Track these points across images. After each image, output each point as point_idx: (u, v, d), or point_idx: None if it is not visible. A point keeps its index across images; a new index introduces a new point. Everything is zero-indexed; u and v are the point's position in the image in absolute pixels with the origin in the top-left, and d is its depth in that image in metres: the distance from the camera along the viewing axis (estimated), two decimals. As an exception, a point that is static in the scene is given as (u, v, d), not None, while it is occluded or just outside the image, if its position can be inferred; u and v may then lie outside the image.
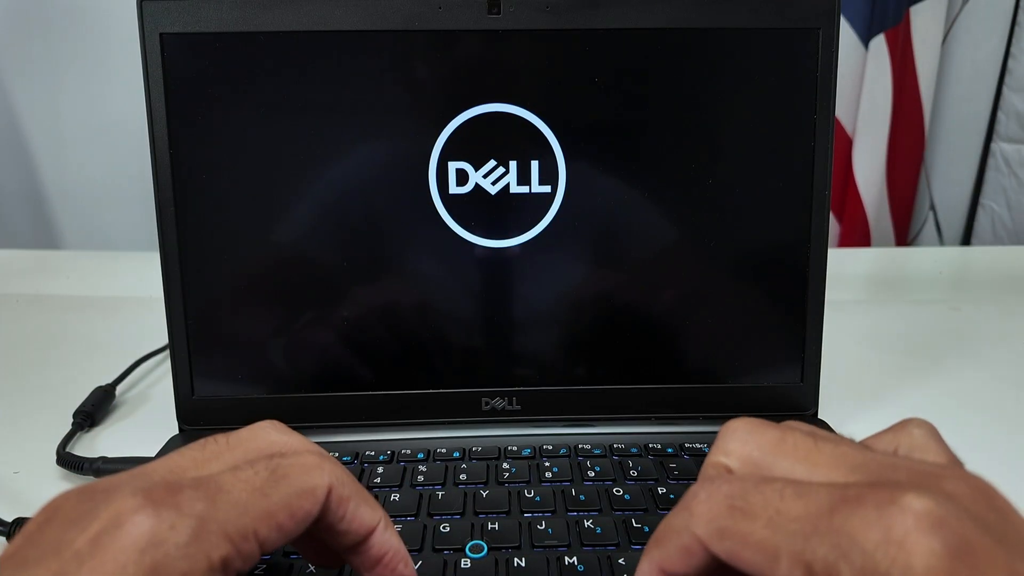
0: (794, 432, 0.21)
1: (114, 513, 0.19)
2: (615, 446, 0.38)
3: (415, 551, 0.31)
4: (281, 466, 0.22)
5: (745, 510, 0.19)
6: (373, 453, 0.38)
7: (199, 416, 0.41)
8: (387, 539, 0.24)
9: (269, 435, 0.25)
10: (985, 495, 0.17)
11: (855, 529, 0.16)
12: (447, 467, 0.37)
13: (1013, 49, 1.31)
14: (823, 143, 0.40)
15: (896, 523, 0.16)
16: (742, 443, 0.21)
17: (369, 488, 0.35)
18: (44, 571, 0.18)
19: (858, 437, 0.22)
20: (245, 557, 0.20)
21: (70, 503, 0.20)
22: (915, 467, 0.19)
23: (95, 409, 0.45)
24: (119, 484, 0.21)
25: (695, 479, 0.36)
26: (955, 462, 0.20)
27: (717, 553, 0.19)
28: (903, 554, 0.16)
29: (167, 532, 0.19)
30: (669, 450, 0.38)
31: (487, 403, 0.42)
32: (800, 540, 0.17)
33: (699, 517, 0.20)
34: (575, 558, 0.30)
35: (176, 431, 0.41)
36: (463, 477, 0.36)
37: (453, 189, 0.40)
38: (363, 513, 0.24)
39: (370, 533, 0.24)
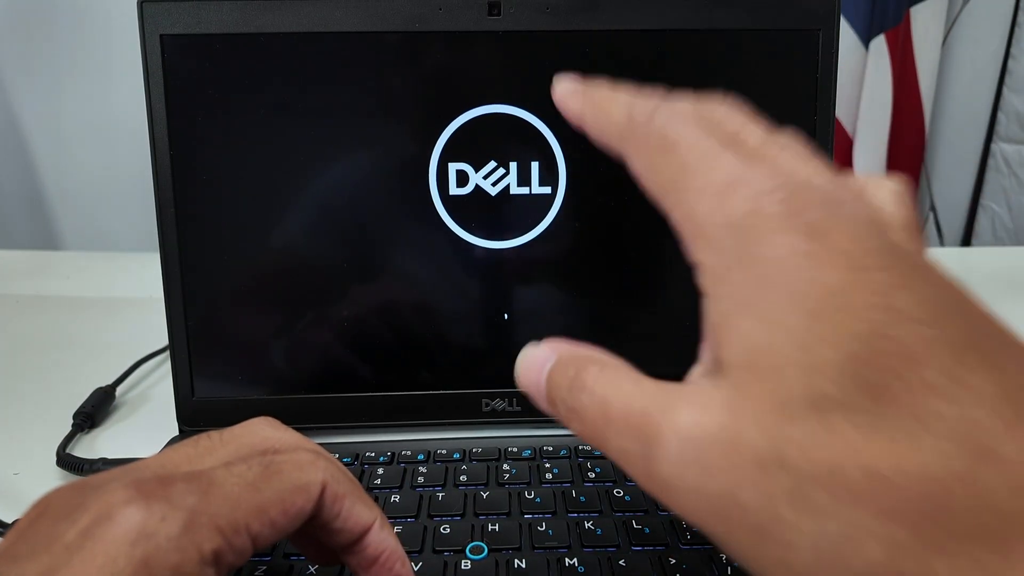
0: (780, 142, 0.21)
1: (104, 506, 0.19)
2: (615, 447, 0.38)
3: (415, 552, 0.31)
4: (275, 462, 0.22)
5: (670, 149, 0.20)
6: (373, 454, 0.38)
7: (199, 417, 0.41)
8: (383, 538, 0.24)
9: (263, 431, 0.25)
10: (870, 219, 0.18)
11: (733, 194, 0.18)
12: (447, 468, 0.37)
13: (1013, 49, 1.31)
14: (823, 143, 0.40)
15: (768, 202, 0.18)
16: (720, 105, 0.22)
17: (369, 489, 0.35)
18: (35, 565, 0.18)
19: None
20: (237, 551, 0.20)
21: (61, 498, 0.20)
22: (828, 182, 0.19)
23: (95, 410, 0.45)
24: (110, 478, 0.21)
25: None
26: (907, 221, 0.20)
27: (628, 164, 0.22)
28: (764, 220, 0.17)
29: (158, 524, 0.19)
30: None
31: (487, 404, 0.42)
32: (691, 195, 0.19)
33: (635, 131, 0.21)
34: (576, 559, 0.30)
35: (176, 432, 0.41)
36: (463, 478, 0.36)
37: (453, 190, 0.40)
38: (358, 511, 0.24)
39: (366, 532, 0.24)
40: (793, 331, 0.16)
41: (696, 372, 0.21)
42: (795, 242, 0.16)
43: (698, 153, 0.19)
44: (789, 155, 0.20)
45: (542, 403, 0.22)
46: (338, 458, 0.37)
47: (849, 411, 0.15)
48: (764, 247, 0.17)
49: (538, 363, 0.22)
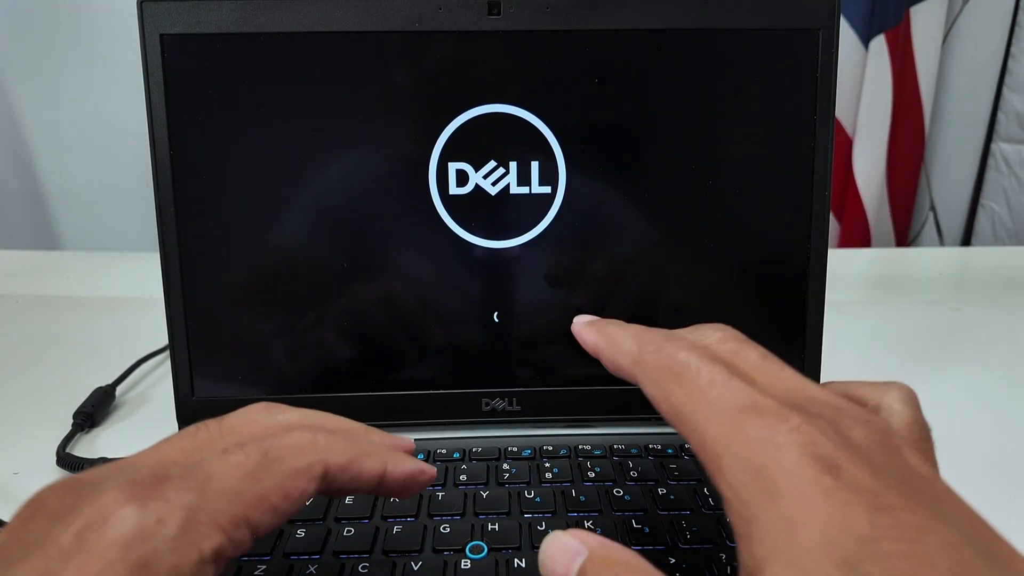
0: (755, 353, 0.23)
1: (99, 508, 0.19)
2: (615, 447, 0.38)
3: (415, 552, 0.31)
4: (273, 448, 0.22)
5: (679, 376, 0.22)
6: (373, 454, 0.38)
7: (199, 417, 0.41)
8: (401, 469, 0.25)
9: (261, 417, 0.24)
10: (881, 442, 0.19)
11: (746, 423, 0.19)
12: (447, 468, 0.37)
13: (1013, 49, 1.31)
14: (823, 143, 0.40)
15: (780, 433, 0.18)
16: (713, 340, 0.24)
17: (369, 489, 0.35)
18: (28, 569, 0.18)
19: None
20: (237, 545, 0.20)
21: (55, 497, 0.20)
22: (824, 402, 0.21)
23: (95, 410, 0.45)
24: (104, 477, 0.20)
25: (695, 480, 0.36)
26: (915, 425, 0.22)
27: (643, 391, 0.23)
28: (780, 455, 0.18)
29: (154, 526, 0.18)
30: (669, 451, 0.38)
31: (487, 404, 0.42)
32: (701, 418, 0.20)
33: (643, 362, 0.23)
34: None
35: (176, 432, 0.41)
36: (463, 478, 0.36)
37: (453, 190, 0.40)
38: (368, 467, 0.24)
39: (382, 476, 0.24)
40: None
41: None
42: (815, 477, 0.17)
43: (706, 379, 0.21)
44: (789, 375, 0.22)
45: None
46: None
47: None
48: (785, 483, 0.17)
49: (567, 555, 0.22)
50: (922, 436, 0.22)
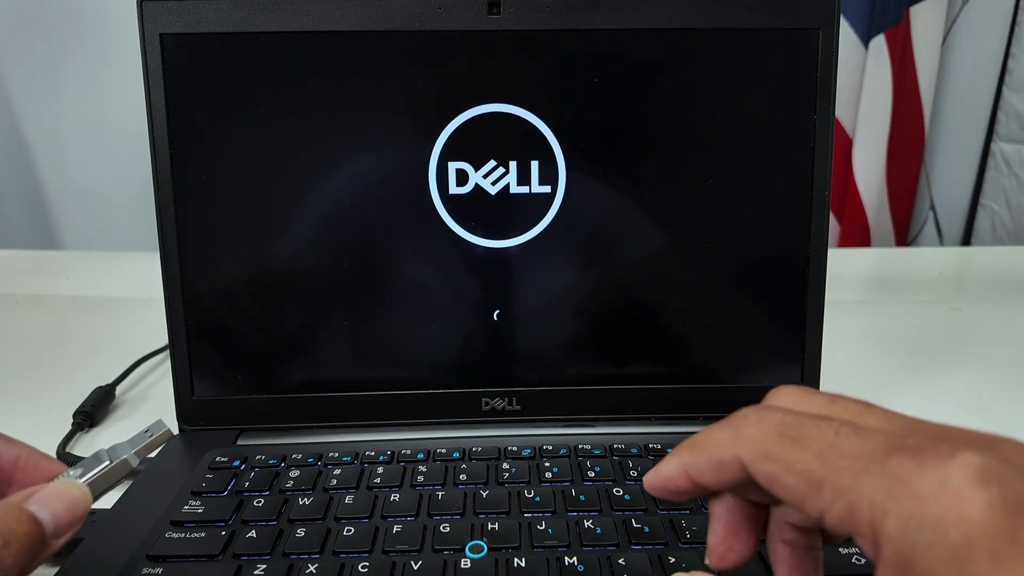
0: (844, 398, 0.21)
1: None
2: (615, 446, 0.38)
3: (415, 551, 0.31)
4: None
5: (797, 439, 0.19)
6: (373, 453, 0.38)
7: (199, 416, 0.41)
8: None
9: None
10: None
11: (910, 475, 0.16)
12: (447, 467, 0.37)
13: (1013, 49, 1.31)
14: (823, 143, 0.40)
15: (954, 474, 0.16)
16: (793, 402, 0.21)
17: (369, 489, 0.35)
18: None
19: None
20: None
21: None
22: (970, 433, 0.18)
23: (95, 409, 0.45)
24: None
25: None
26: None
27: (756, 475, 0.19)
28: (958, 504, 0.15)
29: None
30: (669, 450, 0.38)
31: (487, 403, 0.42)
32: (849, 476, 0.17)
33: (746, 438, 0.20)
34: (575, 558, 0.30)
35: (176, 431, 0.41)
36: (463, 477, 0.36)
37: (453, 189, 0.40)
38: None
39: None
40: None
41: None
42: (1012, 530, 0.15)
43: (833, 431, 0.18)
44: (899, 414, 0.20)
45: None
46: (338, 457, 0.37)
47: None
48: (975, 542, 0.15)
49: None
50: None
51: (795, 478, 0.18)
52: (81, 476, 0.27)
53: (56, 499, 0.24)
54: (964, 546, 0.15)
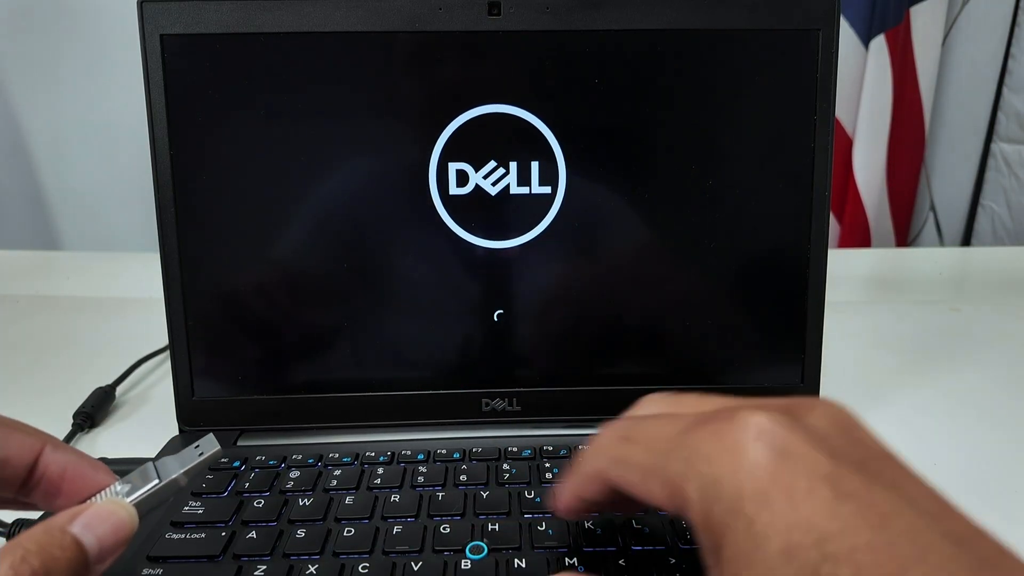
0: (692, 395, 0.24)
1: None
2: (615, 447, 0.38)
3: (415, 552, 0.31)
4: None
5: (630, 438, 0.22)
6: (373, 454, 0.38)
7: (199, 417, 0.41)
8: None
9: None
10: (836, 423, 0.19)
11: (704, 442, 0.19)
12: (447, 468, 0.37)
13: (1013, 49, 1.31)
14: (823, 143, 0.40)
15: (738, 435, 0.18)
16: (647, 407, 0.25)
17: (369, 489, 0.35)
18: None
19: None
20: None
21: None
22: (778, 401, 0.20)
23: (95, 410, 0.45)
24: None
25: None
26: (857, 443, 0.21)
27: (612, 479, 0.22)
28: (735, 458, 0.18)
29: None
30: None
31: (487, 404, 0.42)
32: (662, 458, 0.20)
33: (598, 450, 0.23)
34: (575, 559, 0.30)
35: (176, 432, 0.41)
36: (463, 478, 0.36)
37: (453, 190, 0.40)
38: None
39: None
40: None
41: None
42: (773, 474, 0.17)
43: (651, 424, 0.22)
44: (722, 397, 0.23)
45: None
46: (338, 458, 0.37)
47: None
48: (745, 489, 0.17)
49: None
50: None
51: (632, 472, 0.21)
52: (128, 494, 0.25)
53: (102, 522, 0.23)
54: (737, 495, 0.17)
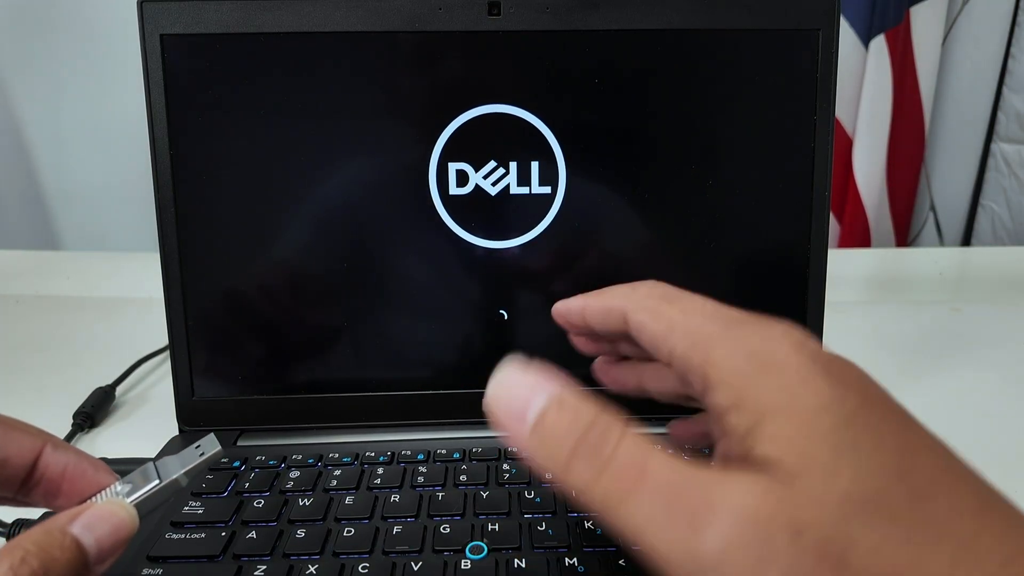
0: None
1: None
2: (615, 447, 0.38)
3: (415, 552, 0.31)
4: None
5: (670, 299, 0.23)
6: (373, 454, 0.38)
7: (199, 417, 0.41)
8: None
9: None
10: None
11: (741, 325, 0.21)
12: (447, 468, 0.37)
13: (1013, 49, 1.31)
14: (823, 143, 0.40)
15: (773, 330, 0.20)
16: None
17: (369, 489, 0.35)
18: None
19: None
20: None
21: None
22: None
23: (95, 410, 0.45)
24: None
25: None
26: None
27: (630, 324, 0.24)
28: (770, 343, 0.20)
29: None
30: (670, 452, 0.38)
31: (487, 404, 0.42)
32: (698, 322, 0.22)
33: (635, 295, 0.24)
34: (575, 559, 0.30)
35: (176, 432, 0.41)
36: (463, 478, 0.36)
37: (453, 190, 0.40)
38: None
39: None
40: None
41: (724, 466, 0.20)
42: (811, 363, 0.19)
43: (699, 299, 0.23)
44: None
45: (523, 435, 0.22)
46: (338, 458, 0.37)
47: (899, 520, 0.16)
48: (783, 363, 0.19)
49: (527, 391, 0.23)
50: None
51: (657, 324, 0.23)
52: (129, 494, 0.25)
53: (102, 522, 0.22)
54: (776, 365, 0.19)
